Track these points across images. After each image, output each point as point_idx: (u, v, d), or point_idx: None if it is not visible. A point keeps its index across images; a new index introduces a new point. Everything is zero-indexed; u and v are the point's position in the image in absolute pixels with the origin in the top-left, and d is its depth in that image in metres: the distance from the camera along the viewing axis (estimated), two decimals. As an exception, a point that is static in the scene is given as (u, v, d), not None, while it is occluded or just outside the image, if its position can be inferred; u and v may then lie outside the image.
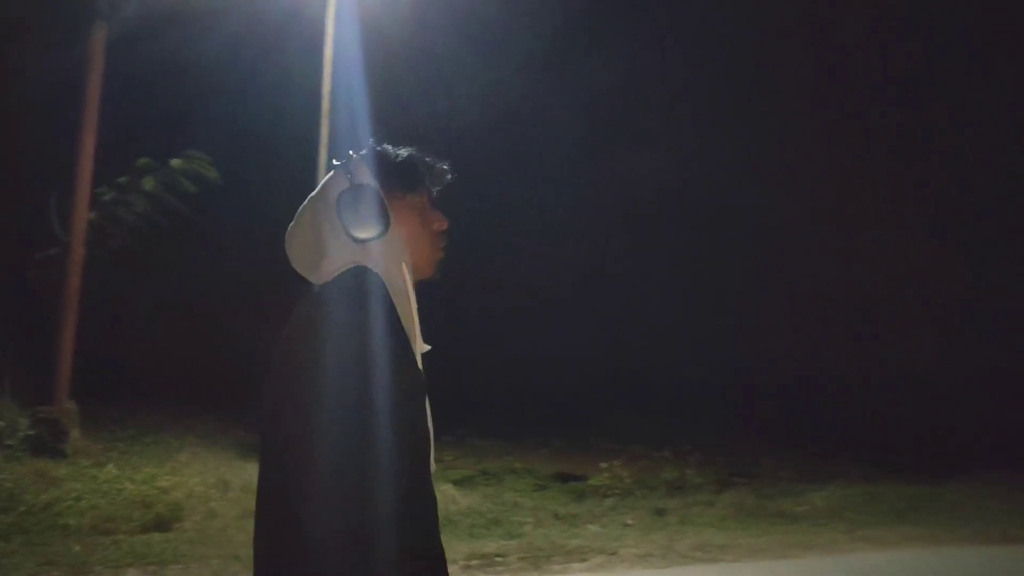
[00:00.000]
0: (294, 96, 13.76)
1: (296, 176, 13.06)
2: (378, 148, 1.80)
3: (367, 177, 1.71)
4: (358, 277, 1.63)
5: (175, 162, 10.98)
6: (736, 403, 14.31)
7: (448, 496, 8.62)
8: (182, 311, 15.75)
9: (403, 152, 1.81)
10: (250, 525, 5.74)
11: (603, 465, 10.03)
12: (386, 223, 1.66)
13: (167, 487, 8.18)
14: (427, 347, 1.74)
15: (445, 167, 1.87)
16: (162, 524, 7.30)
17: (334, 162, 1.80)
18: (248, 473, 9.22)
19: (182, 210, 11.07)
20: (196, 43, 13.24)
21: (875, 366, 14.50)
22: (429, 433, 1.65)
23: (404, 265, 1.68)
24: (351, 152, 1.80)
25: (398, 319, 1.61)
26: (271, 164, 15.78)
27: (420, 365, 1.68)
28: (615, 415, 13.47)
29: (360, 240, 1.65)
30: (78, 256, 9.67)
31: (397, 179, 1.75)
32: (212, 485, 8.42)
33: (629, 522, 8.27)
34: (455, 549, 7.04)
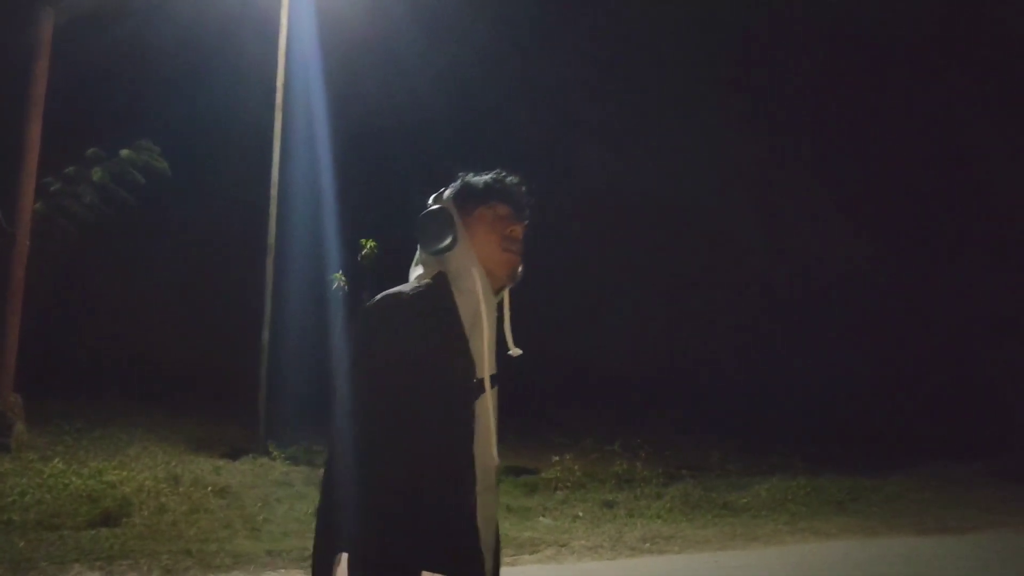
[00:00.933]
0: (248, 87, 13.65)
1: (250, 168, 12.97)
2: (461, 175, 2.12)
3: (447, 201, 2.05)
4: (384, 296, 1.96)
5: (124, 152, 10.83)
6: (684, 399, 14.56)
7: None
8: (132, 303, 15.53)
9: (480, 177, 2.10)
10: (201, 520, 5.81)
11: (555, 459, 10.16)
12: (452, 236, 1.96)
13: (115, 481, 8.09)
14: (518, 351, 2.05)
15: (512, 183, 2.10)
16: (110, 519, 7.20)
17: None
18: (199, 467, 9.18)
19: (131, 201, 10.93)
20: (148, 32, 13.07)
21: (819, 363, 14.84)
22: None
23: (474, 270, 1.96)
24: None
25: (420, 318, 1.90)
26: (224, 156, 15.61)
27: (487, 356, 1.95)
28: (568, 410, 13.63)
29: (435, 253, 1.98)
30: (23, 247, 9.51)
31: (464, 199, 2.05)
32: (162, 479, 8.36)
33: (579, 514, 8.41)
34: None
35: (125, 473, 8.44)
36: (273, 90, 11.34)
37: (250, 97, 13.44)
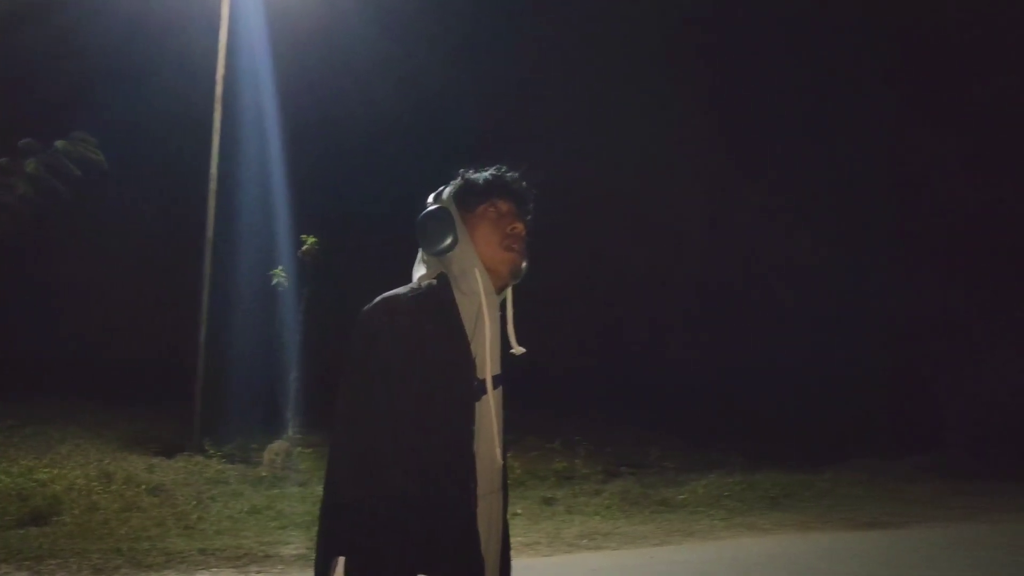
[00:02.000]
0: (190, 79, 13.41)
1: (191, 162, 12.74)
2: (461, 172, 2.07)
3: (446, 200, 2.01)
4: (381, 300, 1.92)
5: (60, 144, 10.55)
6: (624, 396, 14.69)
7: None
8: (67, 298, 15.18)
9: (480, 174, 2.05)
10: (133, 518, 5.69)
11: (495, 456, 10.17)
12: (452, 236, 1.94)
13: (46, 480, 7.95)
14: (521, 349, 2.02)
15: (513, 178, 2.06)
16: (39, 518, 7.06)
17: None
18: (132, 465, 9.03)
19: (66, 194, 10.66)
20: (87, 23, 12.77)
21: (758, 359, 15.09)
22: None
23: (476, 270, 1.94)
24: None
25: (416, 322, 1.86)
26: (164, 149, 15.32)
27: (490, 365, 1.92)
28: (507, 408, 13.61)
29: (436, 253, 1.95)
30: (-47, 239, 9.23)
31: (465, 197, 2.01)
32: (94, 477, 8.22)
33: (519, 512, 8.43)
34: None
35: (56, 471, 8.29)
36: (214, 82, 11.17)
37: (192, 90, 13.21)
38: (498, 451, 1.91)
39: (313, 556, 5.86)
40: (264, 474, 9.31)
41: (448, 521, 1.80)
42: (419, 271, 2.00)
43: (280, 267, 10.27)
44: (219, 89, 11.10)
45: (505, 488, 2.03)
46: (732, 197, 17.13)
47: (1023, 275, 13.65)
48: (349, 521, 1.76)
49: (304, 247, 9.93)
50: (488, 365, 1.91)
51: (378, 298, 1.91)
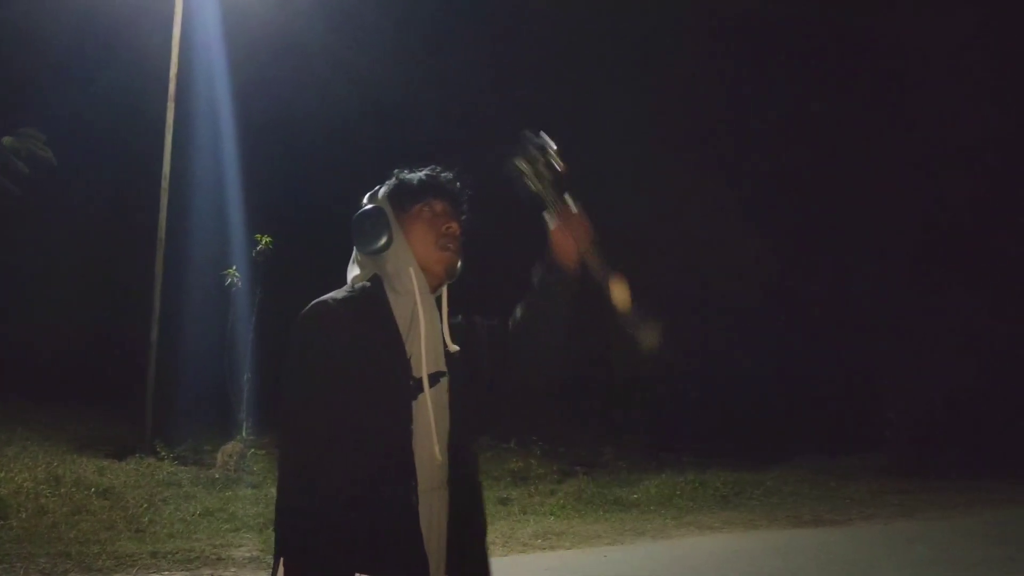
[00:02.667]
0: (143, 77, 13.22)
1: (141, 159, 12.58)
2: (395, 172, 2.09)
3: (381, 200, 2.04)
4: (313, 305, 1.94)
5: (6, 140, 10.39)
6: (578, 397, 14.82)
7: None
8: (13, 297, 14.86)
9: (415, 174, 2.07)
10: (82, 522, 5.66)
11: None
12: (387, 235, 1.96)
13: (-8, 483, 7.82)
14: (455, 347, 2.01)
15: (447, 178, 2.09)
16: (-15, 522, 6.95)
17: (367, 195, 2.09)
18: (82, 467, 8.90)
19: (14, 191, 10.47)
20: (35, 16, 12.53)
21: (703, 362, 15.32)
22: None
23: (411, 269, 1.97)
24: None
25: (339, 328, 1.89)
26: (116, 147, 15.08)
27: (427, 363, 1.93)
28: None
29: (370, 253, 1.98)
30: None
31: (400, 197, 2.04)
32: (42, 480, 8.07)
33: (473, 512, 8.49)
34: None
35: (2, 474, 8.13)
36: (167, 80, 11.05)
37: (144, 87, 13.03)
38: (436, 448, 1.92)
39: (266, 558, 5.88)
40: (217, 476, 9.24)
41: (389, 520, 1.82)
42: (353, 272, 2.03)
43: (233, 267, 10.19)
44: (172, 87, 10.98)
45: (478, 483, 2.07)
46: (687, 197, 17.35)
47: (963, 278, 14.04)
48: (288, 524, 1.79)
49: (258, 247, 9.86)
50: (424, 363, 1.93)
51: (311, 303, 1.93)
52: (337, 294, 1.96)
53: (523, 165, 2.03)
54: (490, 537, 6.57)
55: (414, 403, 1.91)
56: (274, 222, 11.11)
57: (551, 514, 8.66)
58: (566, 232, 2.05)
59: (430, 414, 1.92)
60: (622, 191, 15.68)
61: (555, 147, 2.06)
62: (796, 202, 16.20)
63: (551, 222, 2.07)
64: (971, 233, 14.95)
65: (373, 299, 1.95)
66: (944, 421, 12.83)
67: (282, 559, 1.79)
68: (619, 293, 2.01)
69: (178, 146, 11.26)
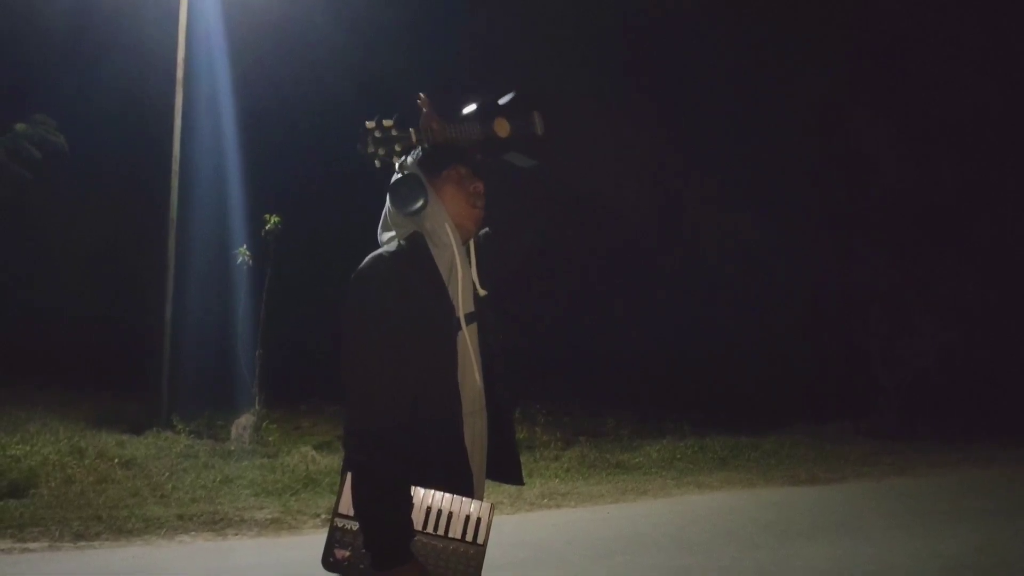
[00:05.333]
0: (151, 61, 13.42)
1: (150, 144, 12.79)
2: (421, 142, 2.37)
3: (412, 167, 2.32)
4: (370, 260, 2.21)
5: (19, 126, 10.61)
6: (581, 369, 15.12)
7: (309, 457, 8.96)
8: (26, 280, 15.11)
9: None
10: (109, 489, 6.10)
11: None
12: (424, 198, 2.24)
13: (19, 455, 8.09)
14: (483, 291, 2.33)
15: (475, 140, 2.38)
16: (17, 491, 7.26)
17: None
18: (103, 441, 9.16)
19: (27, 176, 10.72)
20: (45, 3, 12.69)
21: (703, 335, 15.60)
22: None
23: (447, 225, 2.27)
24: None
25: (407, 276, 2.17)
26: (126, 130, 15.27)
27: (463, 304, 2.25)
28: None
29: (410, 214, 2.25)
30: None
31: (430, 162, 2.33)
32: (67, 453, 8.35)
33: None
34: (317, 505, 7.41)
35: (28, 447, 8.42)
36: (175, 65, 11.27)
37: (152, 72, 13.24)
38: (478, 375, 2.23)
39: (287, 520, 6.22)
40: (232, 448, 9.52)
41: (439, 439, 2.14)
42: (386, 234, 2.31)
43: (244, 246, 10.45)
44: (180, 71, 11.20)
45: (509, 399, 2.41)
46: (676, 174, 17.55)
47: (951, 250, 14.30)
48: (355, 445, 2.09)
49: (268, 226, 10.12)
50: (461, 305, 2.23)
51: (368, 257, 2.20)
52: (388, 249, 2.24)
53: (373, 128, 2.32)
54: (498, 497, 6.90)
55: (457, 338, 2.22)
56: (281, 202, 11.36)
57: (556, 476, 8.96)
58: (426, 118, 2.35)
59: (470, 347, 2.23)
60: (616, 173, 15.91)
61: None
62: (788, 176, 16.40)
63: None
64: (960, 204, 15.18)
65: (419, 252, 2.24)
66: (934, 387, 13.15)
67: (348, 473, 2.09)
68: (500, 127, 2.38)
69: (186, 130, 11.48)
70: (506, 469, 2.40)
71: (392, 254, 2.21)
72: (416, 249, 2.25)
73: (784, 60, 16.76)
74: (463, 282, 2.26)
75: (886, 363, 13.43)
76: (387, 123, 2.29)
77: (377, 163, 2.29)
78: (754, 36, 17.43)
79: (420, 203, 2.24)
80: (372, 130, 2.27)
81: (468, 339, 2.24)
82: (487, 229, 2.44)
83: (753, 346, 15.18)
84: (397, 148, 2.29)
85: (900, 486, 8.73)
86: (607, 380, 14.59)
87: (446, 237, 2.26)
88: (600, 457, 9.90)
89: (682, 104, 17.88)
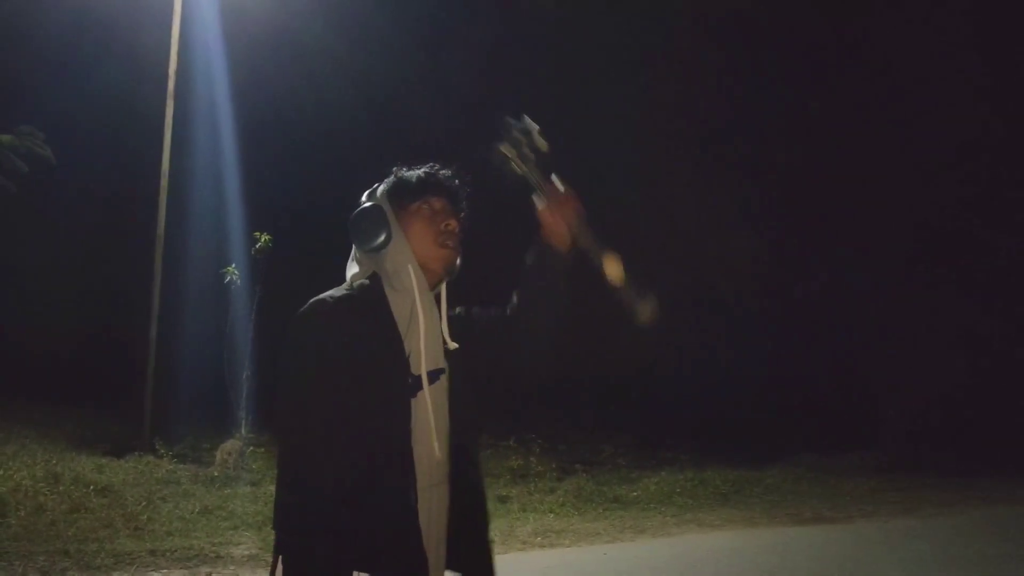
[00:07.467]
0: (142, 74, 13.20)
1: (140, 157, 12.55)
2: (394, 170, 2.08)
3: (380, 198, 2.03)
4: (311, 304, 1.94)
5: (5, 138, 10.32)
6: (577, 395, 14.83)
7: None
8: (11, 295, 14.85)
9: (413, 171, 2.06)
10: (81, 520, 5.65)
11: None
12: (386, 233, 1.95)
13: (-10, 481, 7.81)
14: (454, 345, 2.01)
15: (446, 175, 2.09)
16: (-17, 520, 6.94)
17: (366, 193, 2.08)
18: (80, 465, 8.89)
19: (12, 189, 10.42)
20: (33, 12, 12.49)
21: (706, 359, 15.33)
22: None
23: (410, 267, 1.96)
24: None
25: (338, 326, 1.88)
26: (115, 144, 15.06)
27: (427, 359, 1.93)
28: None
29: (369, 251, 1.97)
30: None
31: (398, 194, 2.03)
32: (41, 478, 8.08)
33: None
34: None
35: (1, 472, 8.14)
36: (166, 78, 11.04)
37: (143, 84, 13.01)
38: (436, 445, 1.92)
39: (265, 556, 5.88)
40: (216, 474, 9.24)
41: (388, 517, 1.82)
42: (352, 270, 2.02)
43: (232, 265, 10.17)
44: (171, 84, 10.97)
45: (479, 479, 2.07)
46: (682, 195, 17.35)
47: (957, 276, 14.07)
48: (287, 522, 1.79)
49: (257, 245, 9.84)
50: (423, 361, 1.92)
51: (310, 301, 1.93)
52: (335, 292, 1.96)
53: (507, 150, 2.03)
54: (490, 534, 6.54)
55: (413, 400, 1.90)
56: (273, 220, 11.10)
57: (551, 511, 8.65)
58: (555, 211, 2.03)
59: (429, 411, 1.91)
60: (620, 188, 15.69)
61: (537, 127, 2.07)
62: (791, 200, 16.20)
63: (540, 203, 2.05)
64: (966, 231, 14.97)
65: (371, 297, 1.94)
66: (940, 419, 12.85)
67: (280, 556, 1.78)
68: (612, 268, 2.00)
69: (177, 144, 11.25)
70: (472, 561, 2.02)
71: (337, 298, 1.93)
72: (370, 293, 1.95)
73: (786, 73, 16.57)
74: (426, 334, 1.94)
75: (890, 393, 13.14)
76: (535, 131, 2.03)
77: (518, 171, 2.02)
78: (752, 46, 17.24)
79: (380, 239, 1.95)
80: (519, 138, 2.00)
81: (428, 400, 1.91)
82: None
83: (752, 372, 14.88)
84: (531, 157, 2.01)
85: (909, 528, 8.39)
86: (603, 405, 14.31)
87: (408, 280, 1.95)
88: (597, 490, 9.59)
89: (696, 124, 17.69)
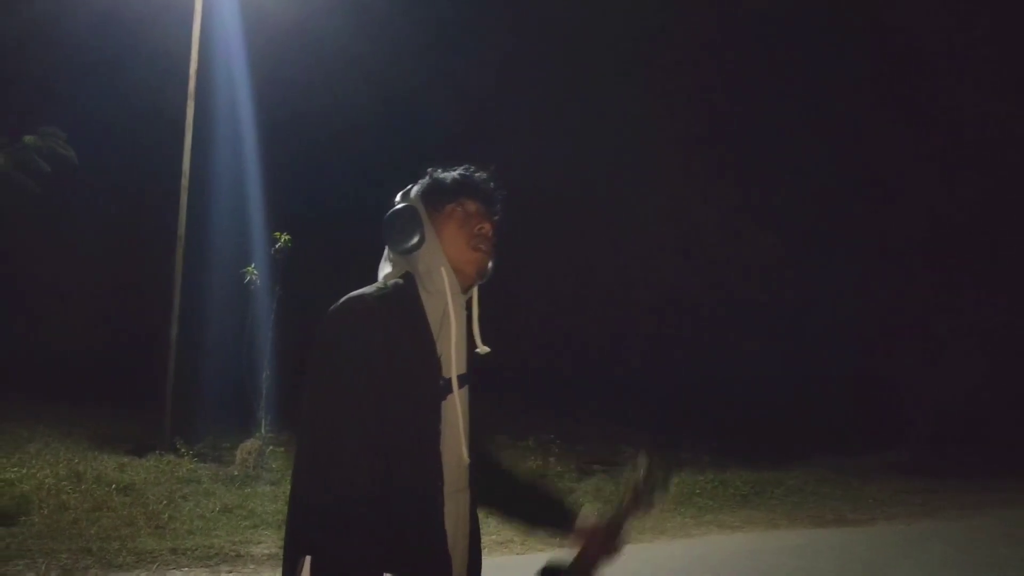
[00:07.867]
0: (163, 74, 13.29)
1: (161, 157, 12.63)
2: (429, 171, 2.06)
3: (414, 199, 2.01)
4: (347, 300, 1.89)
5: (28, 139, 10.38)
6: (595, 395, 14.78)
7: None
8: (35, 296, 14.99)
9: (448, 173, 2.05)
10: (103, 518, 5.70)
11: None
12: (420, 234, 1.94)
13: (13, 479, 7.87)
14: (485, 349, 2.00)
15: (481, 178, 2.07)
16: (6, 518, 7.00)
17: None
18: (102, 464, 8.95)
19: (35, 189, 10.50)
20: (56, 15, 12.60)
21: (726, 360, 15.25)
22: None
23: (443, 269, 1.94)
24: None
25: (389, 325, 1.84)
26: (137, 144, 15.15)
27: (456, 364, 1.92)
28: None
29: (402, 252, 1.95)
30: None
31: (432, 196, 2.01)
32: (63, 477, 8.15)
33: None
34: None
35: (24, 471, 8.21)
36: (187, 78, 11.09)
37: (164, 85, 13.10)
38: (464, 449, 1.91)
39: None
40: (236, 473, 9.26)
41: (414, 520, 1.81)
42: (384, 270, 2.00)
43: (252, 265, 10.20)
44: (192, 84, 11.02)
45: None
46: (700, 197, 17.27)
47: (982, 277, 13.92)
48: (314, 523, 1.75)
49: (277, 245, 9.86)
50: (453, 364, 1.90)
51: (343, 298, 1.89)
52: (369, 290, 1.92)
53: (637, 474, 2.14)
54: (507, 536, 6.51)
55: (443, 404, 1.89)
56: (293, 220, 11.12)
57: (569, 512, 8.61)
58: (601, 545, 2.13)
59: (459, 415, 1.90)
60: (639, 191, 15.65)
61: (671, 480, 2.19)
62: (812, 200, 16.08)
63: (589, 524, 2.16)
64: (989, 232, 14.81)
65: (406, 297, 1.92)
66: (961, 420, 12.72)
67: (308, 558, 1.77)
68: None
69: (198, 143, 11.29)
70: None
71: (373, 295, 1.89)
72: (405, 293, 1.92)
73: (803, 71, 16.45)
74: (456, 337, 1.92)
75: (914, 394, 13.02)
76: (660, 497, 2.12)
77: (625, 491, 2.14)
78: (776, 58, 17.13)
79: (414, 240, 1.94)
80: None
81: (459, 404, 1.90)
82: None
83: (775, 373, 14.79)
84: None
85: (932, 530, 8.32)
86: (622, 406, 14.26)
87: (440, 282, 1.93)
88: (616, 491, 9.51)
89: (712, 125, 17.59)
